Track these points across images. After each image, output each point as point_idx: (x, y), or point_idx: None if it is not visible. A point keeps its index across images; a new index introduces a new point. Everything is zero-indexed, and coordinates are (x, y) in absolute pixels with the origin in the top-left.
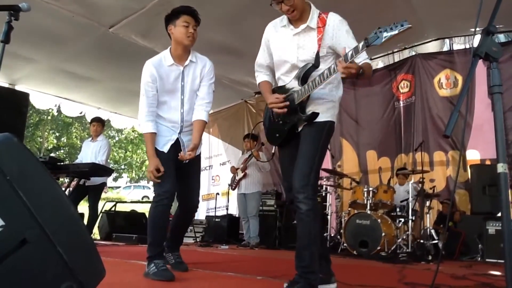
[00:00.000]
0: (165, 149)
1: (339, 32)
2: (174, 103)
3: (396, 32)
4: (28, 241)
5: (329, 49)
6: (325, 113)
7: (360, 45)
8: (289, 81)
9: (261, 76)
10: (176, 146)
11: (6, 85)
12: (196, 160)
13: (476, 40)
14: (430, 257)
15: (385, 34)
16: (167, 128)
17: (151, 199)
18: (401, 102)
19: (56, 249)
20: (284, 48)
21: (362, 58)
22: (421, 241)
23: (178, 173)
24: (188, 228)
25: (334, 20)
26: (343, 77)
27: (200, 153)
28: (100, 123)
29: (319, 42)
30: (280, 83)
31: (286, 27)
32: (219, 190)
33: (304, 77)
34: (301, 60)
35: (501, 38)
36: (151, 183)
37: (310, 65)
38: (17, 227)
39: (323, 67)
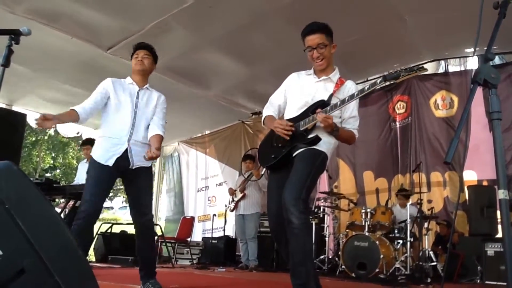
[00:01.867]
0: (110, 162)
1: (350, 93)
2: (126, 112)
3: (414, 74)
4: (26, 270)
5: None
6: (323, 145)
7: (378, 80)
8: (297, 114)
9: (268, 112)
10: (122, 160)
11: (3, 106)
12: (146, 173)
13: (470, 62)
14: (429, 280)
15: (403, 73)
16: (114, 141)
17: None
18: (397, 123)
19: (54, 278)
20: (303, 89)
21: (350, 125)
22: (420, 263)
23: (128, 188)
24: (153, 249)
25: (351, 85)
26: (322, 126)
27: (151, 167)
28: (90, 146)
29: (334, 91)
30: (287, 116)
31: (311, 76)
32: (215, 211)
33: (315, 109)
34: (315, 100)
35: (496, 60)
36: None
37: (322, 101)
38: (15, 256)
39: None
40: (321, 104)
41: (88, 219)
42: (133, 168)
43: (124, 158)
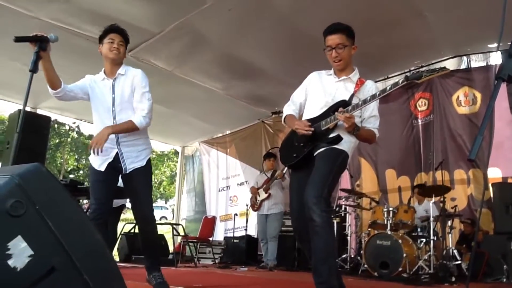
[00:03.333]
0: (102, 168)
1: (371, 93)
2: (106, 115)
3: (435, 74)
4: (55, 269)
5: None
6: (344, 144)
7: (400, 81)
8: (317, 114)
9: (289, 111)
10: (115, 162)
11: (28, 109)
12: (141, 173)
13: (493, 58)
14: (453, 279)
15: (426, 74)
16: (105, 145)
17: (169, 219)
18: (419, 120)
19: (82, 277)
20: (324, 89)
21: (371, 125)
22: (444, 262)
23: (125, 186)
24: (155, 244)
25: (371, 85)
26: (344, 125)
27: (147, 163)
28: None
29: (355, 91)
30: (307, 116)
31: (331, 76)
32: (237, 211)
33: (336, 109)
34: (335, 100)
35: None
36: (169, 203)
37: (343, 101)
38: (46, 255)
39: None
40: (343, 104)
41: (95, 221)
42: (127, 172)
43: (116, 161)
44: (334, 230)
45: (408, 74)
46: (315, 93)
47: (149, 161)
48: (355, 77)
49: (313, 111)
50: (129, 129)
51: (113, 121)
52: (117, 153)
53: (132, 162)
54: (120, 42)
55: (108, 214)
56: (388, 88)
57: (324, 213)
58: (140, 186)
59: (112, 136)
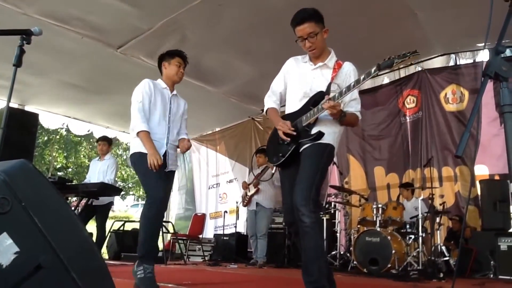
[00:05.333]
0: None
1: (349, 78)
2: (162, 118)
3: (407, 58)
4: (42, 266)
5: (338, 87)
6: (327, 136)
7: (372, 70)
8: (298, 108)
9: (270, 103)
10: (164, 158)
11: (16, 106)
12: (172, 177)
13: (481, 56)
14: (441, 275)
15: (396, 60)
16: (155, 142)
17: None
18: (407, 118)
19: (70, 275)
20: (301, 78)
21: (353, 108)
22: (432, 258)
23: None
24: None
25: (349, 67)
26: (330, 114)
27: (175, 171)
28: (107, 142)
29: (332, 78)
30: (288, 109)
31: (307, 63)
32: (226, 208)
33: (315, 102)
34: (313, 90)
35: (507, 53)
36: None
37: (321, 92)
38: (32, 253)
39: None
40: (320, 96)
41: (164, 204)
42: (166, 171)
43: (164, 157)
44: (323, 230)
45: (379, 62)
46: (293, 83)
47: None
48: (332, 61)
49: (293, 104)
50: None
51: (168, 123)
52: (165, 152)
53: (172, 164)
54: (183, 68)
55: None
56: (362, 78)
57: (312, 213)
58: (170, 187)
59: (163, 136)
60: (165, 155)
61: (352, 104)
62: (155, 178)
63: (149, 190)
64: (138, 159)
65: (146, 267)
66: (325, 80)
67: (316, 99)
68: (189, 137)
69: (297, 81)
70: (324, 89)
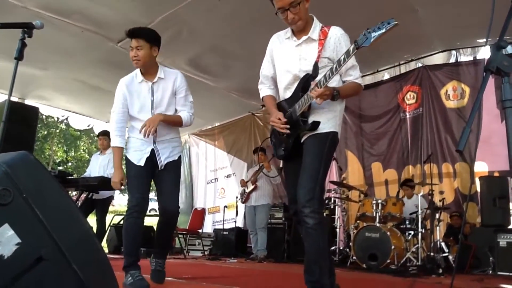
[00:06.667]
0: (142, 163)
1: (340, 46)
2: (145, 116)
3: (384, 30)
4: (44, 258)
5: (329, 60)
6: (327, 124)
7: (351, 48)
8: (290, 94)
9: (264, 90)
10: (152, 157)
11: (16, 99)
12: (172, 167)
13: (482, 52)
14: (440, 271)
15: (373, 34)
16: (141, 141)
17: (157, 211)
18: (407, 114)
19: (71, 267)
20: (287, 59)
21: (352, 77)
22: (431, 254)
23: (155, 181)
24: (172, 234)
25: (336, 33)
26: (318, 102)
27: (179, 158)
28: (107, 137)
29: (319, 53)
30: (282, 95)
31: (290, 39)
32: (225, 203)
33: (304, 87)
34: (303, 70)
35: (508, 49)
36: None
37: (308, 76)
38: (33, 244)
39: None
40: (307, 80)
41: (137, 219)
42: (162, 167)
43: (153, 155)
44: (327, 230)
45: (357, 39)
46: (280, 65)
47: (180, 157)
48: (316, 31)
49: (285, 89)
50: (176, 122)
51: None
52: (152, 149)
53: (167, 158)
54: (139, 47)
55: (143, 211)
56: (342, 59)
57: (316, 214)
58: (169, 178)
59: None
60: (153, 152)
61: (349, 72)
62: (135, 188)
63: (127, 200)
64: (126, 163)
65: (132, 273)
66: (312, 57)
67: (304, 84)
68: (189, 113)
69: (283, 62)
70: (311, 68)
